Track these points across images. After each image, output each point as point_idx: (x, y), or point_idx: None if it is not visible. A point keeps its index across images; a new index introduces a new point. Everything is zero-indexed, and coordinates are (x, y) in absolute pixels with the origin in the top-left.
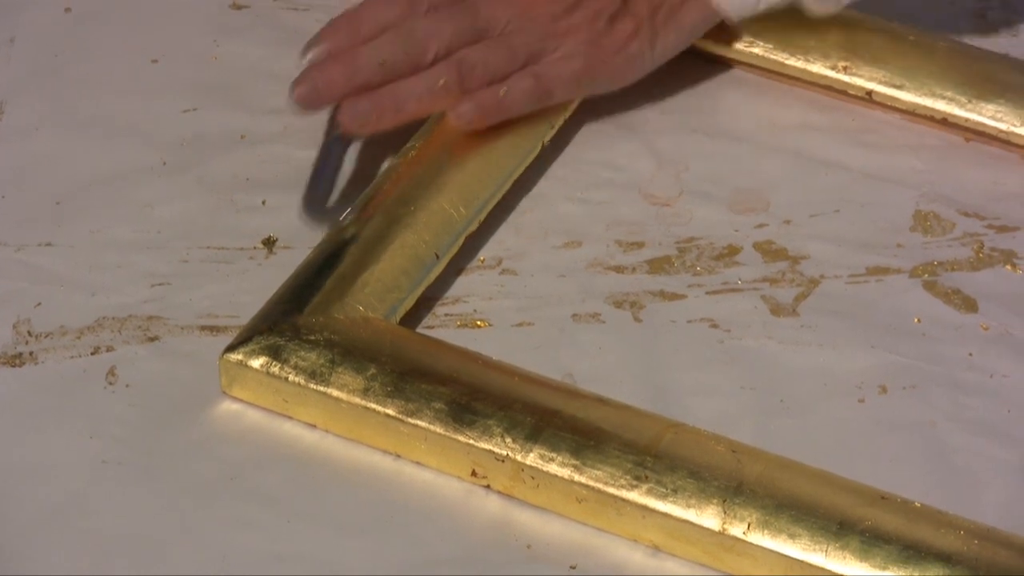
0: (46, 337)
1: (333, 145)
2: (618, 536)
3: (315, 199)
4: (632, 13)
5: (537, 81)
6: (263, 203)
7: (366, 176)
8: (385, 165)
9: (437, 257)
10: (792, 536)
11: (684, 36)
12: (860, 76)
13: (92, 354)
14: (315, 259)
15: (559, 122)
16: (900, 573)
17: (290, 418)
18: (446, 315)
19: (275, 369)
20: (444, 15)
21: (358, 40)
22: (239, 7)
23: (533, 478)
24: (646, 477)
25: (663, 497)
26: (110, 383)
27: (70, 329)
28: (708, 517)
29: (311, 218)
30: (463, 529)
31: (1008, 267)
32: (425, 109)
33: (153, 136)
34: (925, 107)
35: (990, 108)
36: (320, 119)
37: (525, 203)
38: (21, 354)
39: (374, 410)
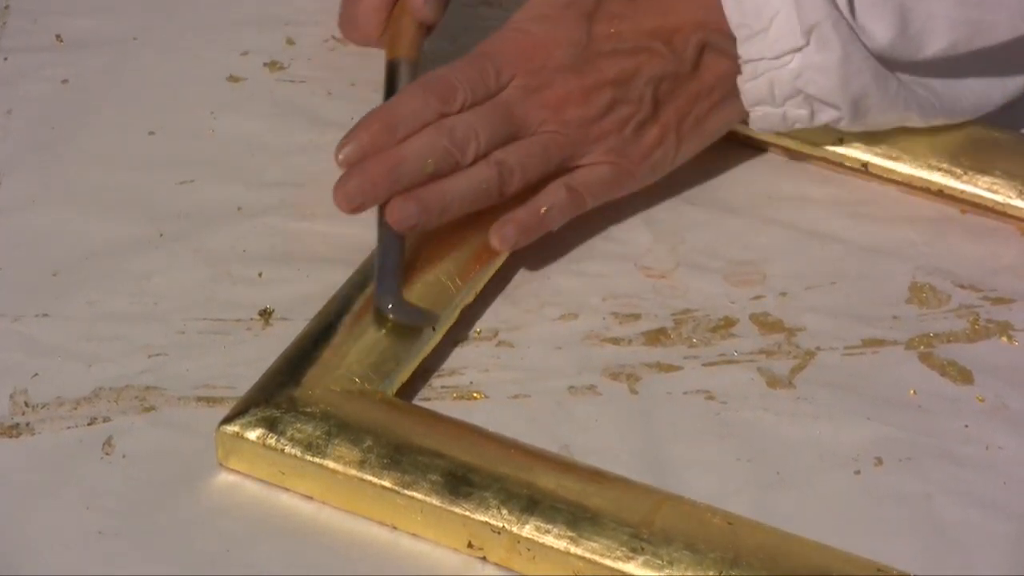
0: (43, 408)
1: (389, 239)
2: None
3: (387, 292)
4: (660, 121)
5: (571, 193)
6: (260, 275)
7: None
8: None
9: (433, 329)
10: None
11: (706, 140)
12: (856, 148)
13: (89, 425)
14: (312, 331)
15: None
16: None
17: (287, 490)
18: (442, 387)
19: (272, 441)
20: (480, 115)
21: (395, 138)
22: (236, 80)
23: (529, 550)
24: (642, 549)
25: (659, 569)
26: (107, 454)
27: (67, 400)
28: None
29: (390, 313)
30: None
31: (1004, 339)
32: (467, 209)
33: (150, 208)
34: (921, 179)
35: (985, 180)
36: (314, 194)
37: (521, 275)
38: (18, 425)
39: (370, 482)
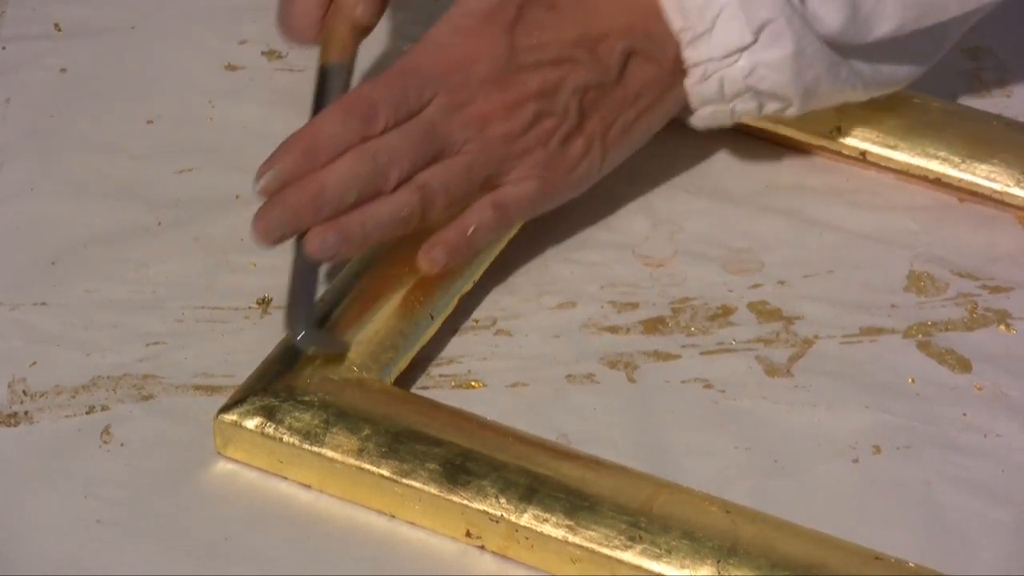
0: (41, 396)
1: (304, 267)
2: None
3: (300, 320)
4: (585, 132)
5: (497, 211)
6: (257, 264)
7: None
8: None
9: (432, 318)
10: None
11: (631, 148)
12: (854, 137)
13: (87, 413)
14: None
15: None
16: None
17: (285, 478)
18: (440, 376)
19: (270, 430)
20: (403, 136)
21: (316, 163)
22: (234, 68)
23: (527, 539)
24: (640, 538)
25: (657, 558)
26: (105, 442)
27: (65, 388)
28: None
29: (301, 342)
30: None
31: (1002, 327)
32: (389, 236)
33: (148, 196)
34: (919, 167)
35: (983, 168)
36: None
37: (519, 264)
38: (16, 413)
39: (368, 471)
